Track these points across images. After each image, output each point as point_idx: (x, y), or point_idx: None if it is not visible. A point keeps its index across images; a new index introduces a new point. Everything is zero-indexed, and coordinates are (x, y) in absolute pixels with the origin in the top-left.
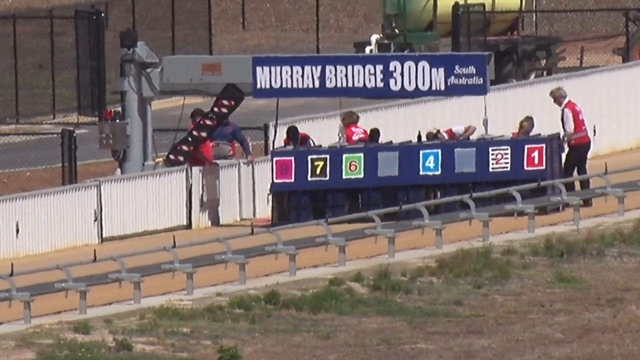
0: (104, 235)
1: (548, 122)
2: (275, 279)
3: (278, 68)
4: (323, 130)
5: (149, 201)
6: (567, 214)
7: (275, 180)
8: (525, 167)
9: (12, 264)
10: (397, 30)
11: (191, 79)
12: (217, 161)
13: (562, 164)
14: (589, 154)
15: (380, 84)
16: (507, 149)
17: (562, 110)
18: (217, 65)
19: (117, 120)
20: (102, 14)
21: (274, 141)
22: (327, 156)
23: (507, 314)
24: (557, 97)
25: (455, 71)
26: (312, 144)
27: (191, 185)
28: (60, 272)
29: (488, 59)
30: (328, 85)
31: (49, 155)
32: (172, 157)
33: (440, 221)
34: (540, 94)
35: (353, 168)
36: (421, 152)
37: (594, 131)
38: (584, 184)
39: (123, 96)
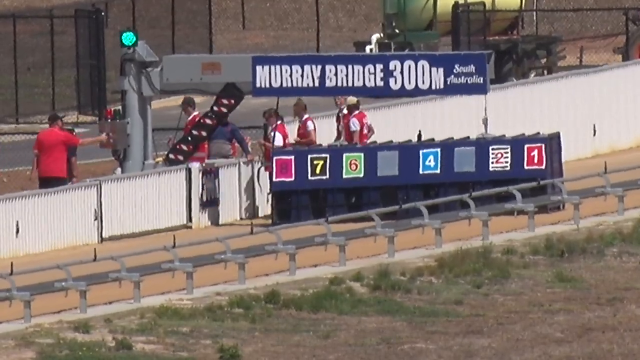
0: (104, 235)
1: (548, 121)
2: (275, 279)
3: (278, 67)
4: (323, 130)
5: (149, 200)
6: (567, 213)
7: (275, 180)
8: (525, 166)
9: (12, 263)
10: (397, 30)
11: (191, 78)
12: (217, 160)
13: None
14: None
15: (380, 83)
16: (507, 148)
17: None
18: (217, 64)
19: (118, 120)
20: (102, 13)
21: (273, 140)
22: (327, 155)
23: (507, 314)
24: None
25: (455, 70)
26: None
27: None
28: (60, 271)
29: (488, 58)
30: (328, 84)
31: None
32: (171, 156)
33: (440, 220)
34: (540, 93)
35: (353, 167)
36: (421, 151)
37: (594, 131)
38: None
39: (123, 95)
